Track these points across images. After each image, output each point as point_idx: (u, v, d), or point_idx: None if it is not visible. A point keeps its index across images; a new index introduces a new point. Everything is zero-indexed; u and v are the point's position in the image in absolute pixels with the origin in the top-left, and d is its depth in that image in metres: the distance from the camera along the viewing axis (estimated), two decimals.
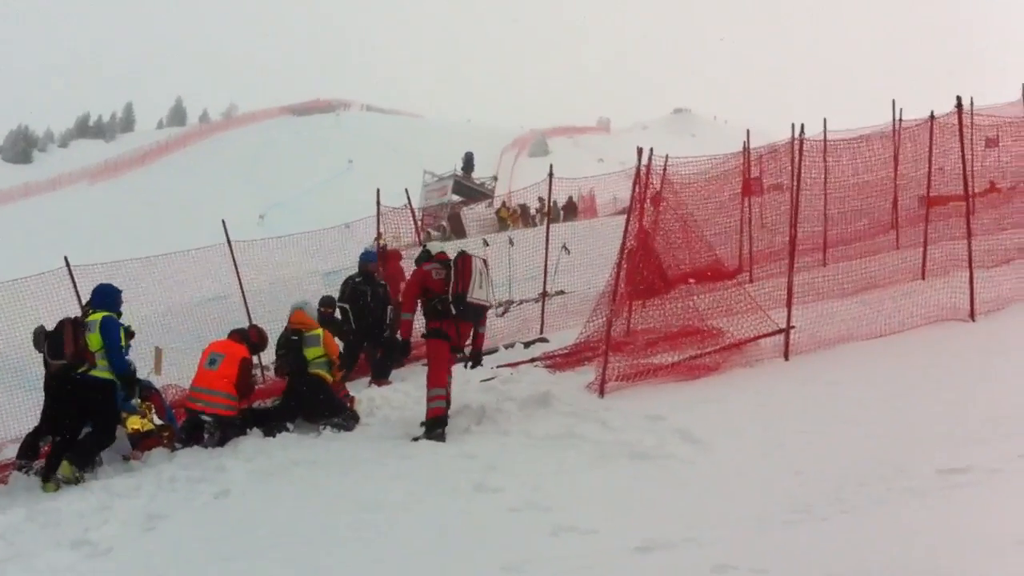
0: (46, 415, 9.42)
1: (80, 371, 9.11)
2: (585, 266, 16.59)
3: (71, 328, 9.19)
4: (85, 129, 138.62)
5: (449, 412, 8.85)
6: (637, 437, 7.49)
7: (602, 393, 9.20)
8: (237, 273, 14.68)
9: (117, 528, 6.85)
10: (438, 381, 8.87)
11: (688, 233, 11.77)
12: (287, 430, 9.56)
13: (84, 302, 11.38)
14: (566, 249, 16.25)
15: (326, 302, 13.18)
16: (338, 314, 13.22)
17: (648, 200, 10.83)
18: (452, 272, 9.08)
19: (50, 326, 9.47)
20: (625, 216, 10.98)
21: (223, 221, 15.81)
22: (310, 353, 10.20)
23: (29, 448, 10.48)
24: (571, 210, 32.53)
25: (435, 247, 9.63)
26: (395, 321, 13.09)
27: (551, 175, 16.08)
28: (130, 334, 10.13)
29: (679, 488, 6.25)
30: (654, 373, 9.55)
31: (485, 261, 9.65)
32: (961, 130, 11.48)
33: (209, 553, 6.05)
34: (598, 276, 13.80)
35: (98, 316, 9.34)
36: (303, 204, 78.60)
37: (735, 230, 15.45)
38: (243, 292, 15.79)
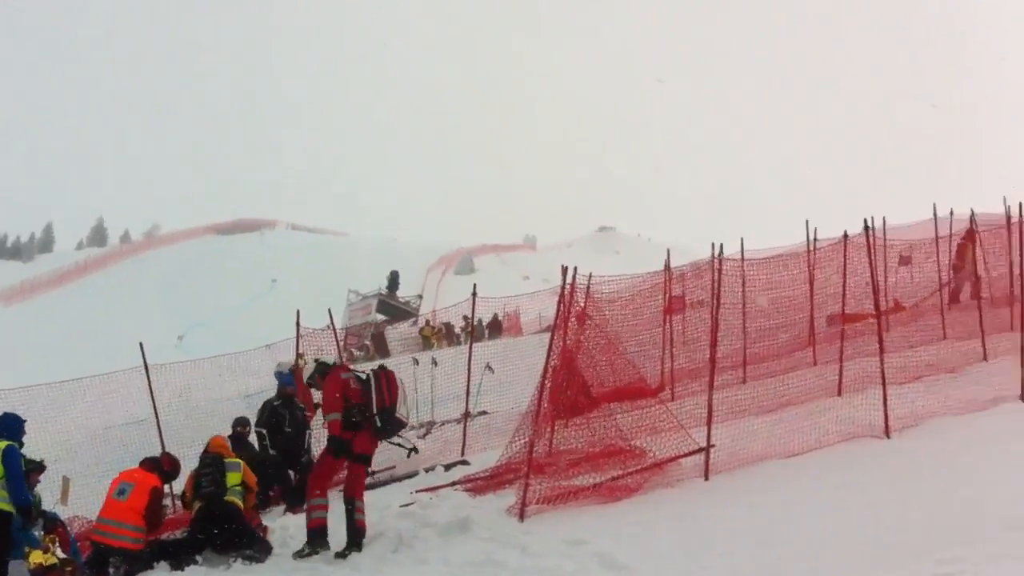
0: None
1: None
2: (509, 385, 16.55)
3: None
4: (2, 250, 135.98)
5: (364, 540, 8.81)
6: (557, 563, 7.37)
7: (522, 517, 9.06)
8: (152, 398, 14.30)
9: None
10: (314, 492, 9.07)
11: (611, 351, 11.83)
12: (196, 563, 9.19)
13: None
14: (490, 368, 16.22)
15: (240, 422, 12.96)
16: (254, 438, 12.95)
17: (573, 318, 10.89)
18: (374, 386, 9.12)
19: None
20: (550, 334, 11.03)
21: (140, 344, 15.47)
22: (230, 479, 9.92)
23: None
24: (496, 328, 32.63)
25: (330, 359, 9.89)
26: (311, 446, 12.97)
27: (474, 294, 16.13)
28: (40, 468, 9.80)
29: None
30: (575, 495, 9.46)
31: (402, 379, 9.67)
32: (871, 249, 11.87)
33: None
34: (522, 395, 13.76)
35: (0, 445, 9.00)
36: (224, 325, 77.52)
37: (658, 347, 15.59)
38: (157, 418, 15.34)
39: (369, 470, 10.03)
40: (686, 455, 9.92)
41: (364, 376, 9.38)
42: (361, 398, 9.09)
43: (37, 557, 9.83)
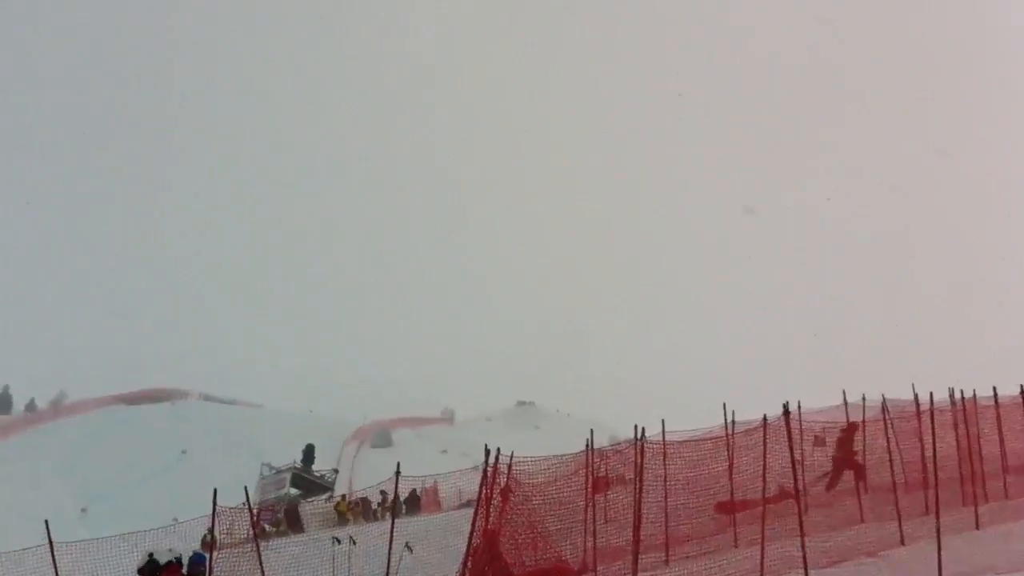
0: None
1: None
2: (429, 566, 16.17)
3: None
4: None
5: None
6: None
7: None
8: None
9: None
10: None
11: (533, 531, 11.73)
12: None
13: None
14: (408, 548, 15.86)
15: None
16: None
17: (496, 496, 10.84)
18: None
19: None
20: (471, 511, 10.93)
21: (46, 522, 14.83)
22: None
23: None
24: (414, 504, 32.01)
25: (164, 557, 9.83)
26: None
27: (398, 472, 15.94)
28: None
29: None
30: None
31: None
32: (790, 433, 12.13)
33: None
34: None
35: None
36: (130, 497, 74.61)
37: (580, 526, 15.45)
38: None
39: None
40: None
41: None
42: None
43: None
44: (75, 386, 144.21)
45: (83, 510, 70.76)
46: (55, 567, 14.30)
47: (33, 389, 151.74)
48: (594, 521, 15.55)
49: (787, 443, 12.48)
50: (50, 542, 14.57)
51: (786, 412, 12.44)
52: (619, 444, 16.74)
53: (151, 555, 9.97)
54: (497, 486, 11.12)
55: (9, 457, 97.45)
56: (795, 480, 12.13)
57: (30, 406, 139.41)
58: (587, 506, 15.54)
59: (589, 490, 15.69)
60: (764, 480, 14.10)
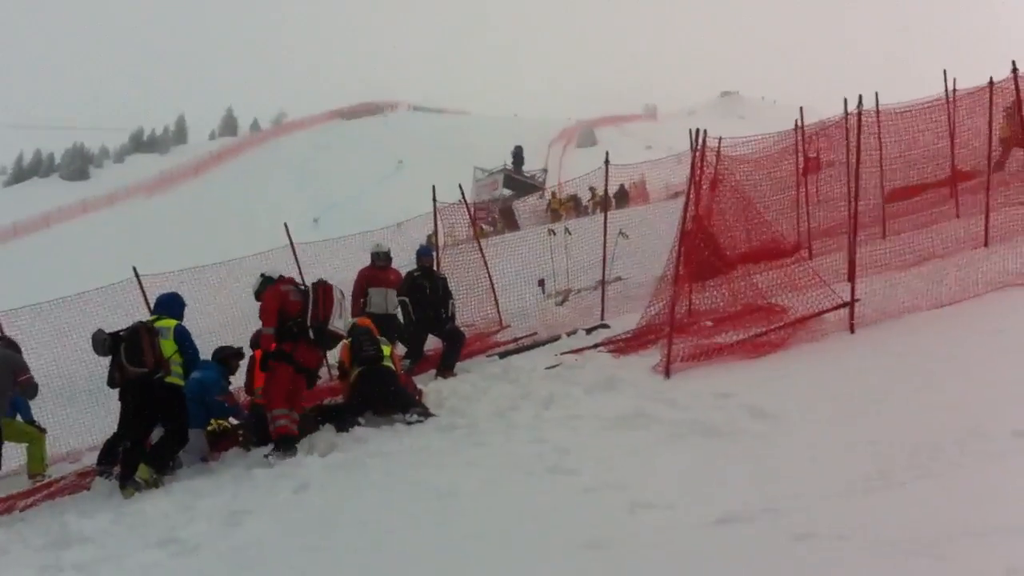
0: (124, 421, 9.62)
1: (157, 377, 9.30)
2: (641, 252, 16.59)
3: (147, 336, 9.35)
4: (139, 144, 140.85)
5: (505, 405, 9.26)
6: (707, 415, 7.52)
7: (668, 374, 9.24)
8: (300, 273, 14.86)
9: (203, 525, 6.97)
10: (276, 403, 9.36)
11: (745, 212, 11.71)
12: (359, 424, 9.66)
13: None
14: (624, 234, 16.24)
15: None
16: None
17: (704, 182, 10.81)
18: (311, 299, 9.54)
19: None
20: (680, 200, 10.97)
21: (285, 224, 16.09)
22: (386, 349, 10.47)
23: (108, 454, 10.82)
24: (623, 198, 32.43)
25: (275, 273, 10.37)
26: (454, 314, 13.35)
27: (607, 162, 16.06)
28: (239, 354, 10.60)
29: (753, 462, 6.25)
30: (719, 352, 9.57)
31: (343, 292, 10.14)
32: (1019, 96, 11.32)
33: (293, 545, 6.15)
34: (655, 262, 13.79)
35: (170, 323, 9.56)
36: (355, 206, 79.14)
37: (791, 208, 15.31)
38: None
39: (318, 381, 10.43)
40: (830, 310, 9.87)
41: (303, 288, 9.83)
42: (298, 311, 9.50)
43: (211, 425, 10.62)
44: (294, 105, 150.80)
45: (315, 220, 75.17)
46: (297, 262, 15.58)
47: (255, 109, 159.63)
48: (807, 202, 15.38)
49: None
50: (291, 242, 15.87)
51: (1015, 70, 11.51)
52: (828, 123, 16.06)
53: (262, 275, 10.61)
54: (706, 169, 11.02)
55: (242, 174, 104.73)
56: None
57: (254, 126, 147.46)
58: (798, 187, 15.32)
59: (800, 171, 15.39)
60: (989, 146, 13.42)
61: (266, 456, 9.09)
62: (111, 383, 9.49)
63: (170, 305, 9.94)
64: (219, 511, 7.33)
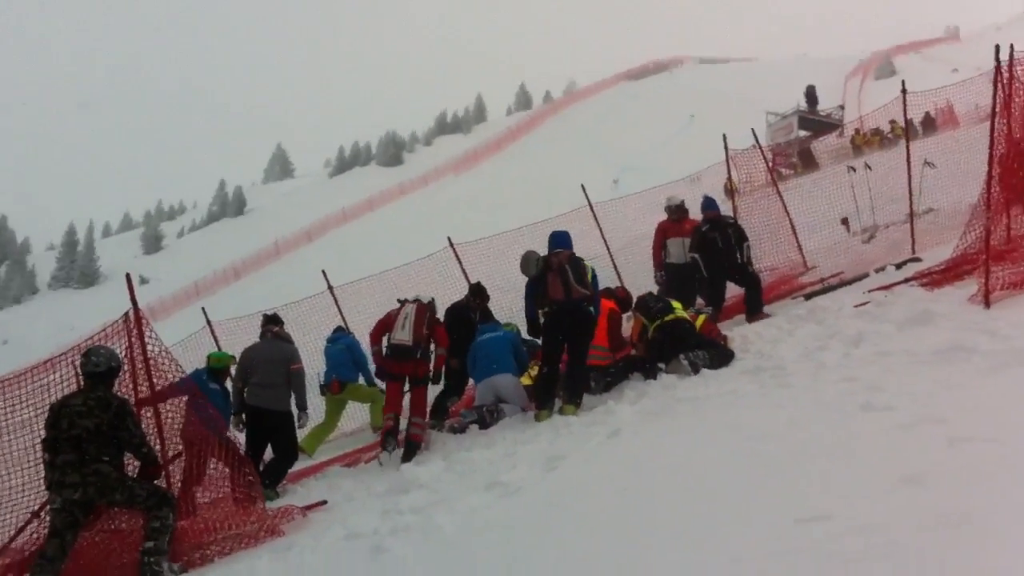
0: (549, 348, 10.06)
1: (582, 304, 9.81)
2: (952, 181, 15.62)
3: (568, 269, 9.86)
4: (444, 126, 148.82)
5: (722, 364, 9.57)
6: None
7: (987, 304, 8.68)
8: (601, 232, 15.39)
9: (524, 471, 7.33)
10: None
11: None
12: (662, 371, 9.87)
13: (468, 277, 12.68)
14: (929, 164, 15.41)
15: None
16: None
17: (1015, 98, 10.06)
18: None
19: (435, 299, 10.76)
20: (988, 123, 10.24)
21: (582, 186, 16.66)
22: (677, 305, 10.71)
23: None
24: (929, 126, 30.52)
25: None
26: (751, 259, 13.25)
27: (904, 91, 15.30)
28: None
29: None
30: None
31: (423, 303, 10.96)
32: None
33: (606, 487, 6.34)
34: (968, 189, 12.97)
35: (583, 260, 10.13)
36: (651, 164, 79.10)
37: None
38: (609, 252, 16.56)
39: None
40: None
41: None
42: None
43: (526, 379, 11.31)
44: (582, 73, 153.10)
45: (615, 182, 75.86)
46: (596, 220, 16.10)
47: (546, 82, 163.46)
48: None
49: None
50: (588, 202, 16.44)
51: None
52: None
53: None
54: (1018, 85, 10.23)
55: (540, 144, 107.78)
56: None
57: (546, 97, 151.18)
58: None
59: None
60: None
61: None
62: (535, 311, 10.13)
63: (566, 239, 10.29)
64: (538, 457, 7.71)
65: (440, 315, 11.51)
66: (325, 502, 8.93)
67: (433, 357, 10.81)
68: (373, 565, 5.91)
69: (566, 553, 4.95)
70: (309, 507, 8.70)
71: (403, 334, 10.69)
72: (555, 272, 9.83)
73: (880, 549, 3.75)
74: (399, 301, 11.17)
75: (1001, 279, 8.98)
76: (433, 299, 11.29)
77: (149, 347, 8.33)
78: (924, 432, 5.62)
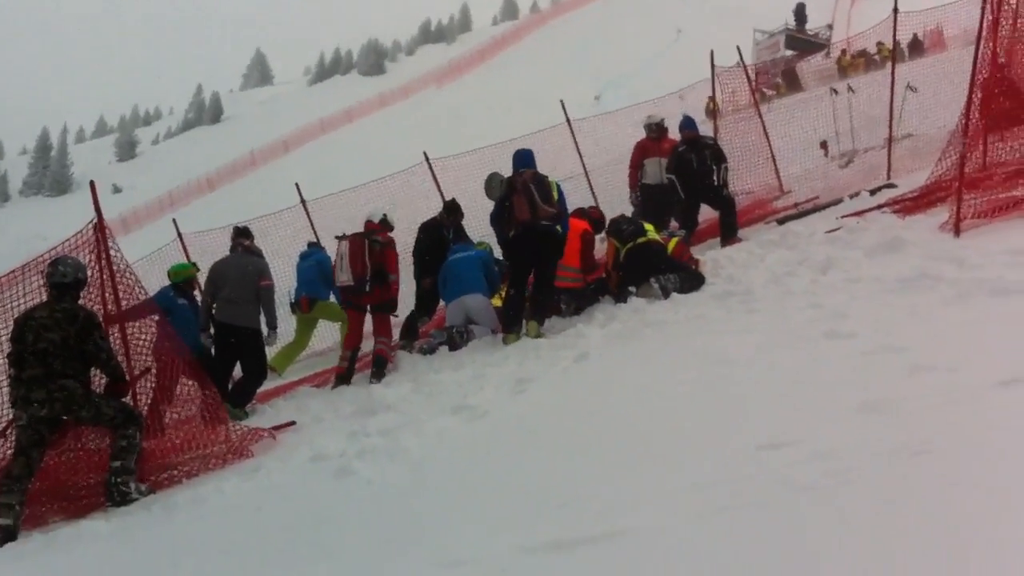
0: (515, 272, 10.09)
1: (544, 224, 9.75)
2: (936, 106, 15.48)
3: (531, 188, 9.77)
4: (428, 34, 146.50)
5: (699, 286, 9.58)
6: (998, 274, 7.00)
7: (957, 233, 8.64)
8: (578, 150, 15.22)
9: (491, 393, 7.41)
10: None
11: None
12: (632, 295, 9.83)
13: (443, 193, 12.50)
14: (912, 88, 15.24)
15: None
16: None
17: (1002, 20, 9.86)
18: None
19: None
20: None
21: (561, 102, 16.40)
22: (649, 227, 10.62)
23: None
24: (917, 48, 30.18)
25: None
26: (728, 180, 13.13)
27: (896, 10, 15.03)
28: None
29: None
30: (1017, 207, 8.89)
31: (357, 237, 10.73)
32: None
33: (573, 411, 6.42)
34: (950, 114, 12.86)
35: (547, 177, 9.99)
36: (636, 80, 78.31)
37: None
38: (585, 170, 16.38)
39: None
40: None
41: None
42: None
43: (496, 301, 11.28)
44: None
45: (596, 98, 75.27)
46: (574, 138, 15.93)
47: None
48: None
49: None
50: (567, 119, 16.22)
51: None
52: None
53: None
54: (1007, 8, 10.02)
55: (525, 56, 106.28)
56: None
57: (534, 7, 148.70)
58: None
59: None
60: None
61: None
62: (504, 234, 10.02)
63: (530, 158, 10.20)
64: (506, 380, 7.76)
65: (413, 232, 11.40)
66: (294, 423, 8.95)
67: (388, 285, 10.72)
68: (339, 487, 5.92)
69: (532, 476, 4.98)
70: (278, 428, 8.73)
71: (343, 275, 10.63)
72: (520, 192, 9.71)
73: (838, 476, 3.78)
74: (336, 238, 11.00)
75: (973, 207, 8.93)
76: (385, 216, 11.11)
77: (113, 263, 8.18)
78: (886, 360, 5.64)
